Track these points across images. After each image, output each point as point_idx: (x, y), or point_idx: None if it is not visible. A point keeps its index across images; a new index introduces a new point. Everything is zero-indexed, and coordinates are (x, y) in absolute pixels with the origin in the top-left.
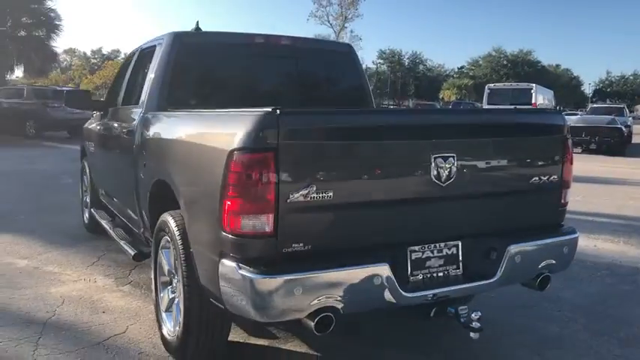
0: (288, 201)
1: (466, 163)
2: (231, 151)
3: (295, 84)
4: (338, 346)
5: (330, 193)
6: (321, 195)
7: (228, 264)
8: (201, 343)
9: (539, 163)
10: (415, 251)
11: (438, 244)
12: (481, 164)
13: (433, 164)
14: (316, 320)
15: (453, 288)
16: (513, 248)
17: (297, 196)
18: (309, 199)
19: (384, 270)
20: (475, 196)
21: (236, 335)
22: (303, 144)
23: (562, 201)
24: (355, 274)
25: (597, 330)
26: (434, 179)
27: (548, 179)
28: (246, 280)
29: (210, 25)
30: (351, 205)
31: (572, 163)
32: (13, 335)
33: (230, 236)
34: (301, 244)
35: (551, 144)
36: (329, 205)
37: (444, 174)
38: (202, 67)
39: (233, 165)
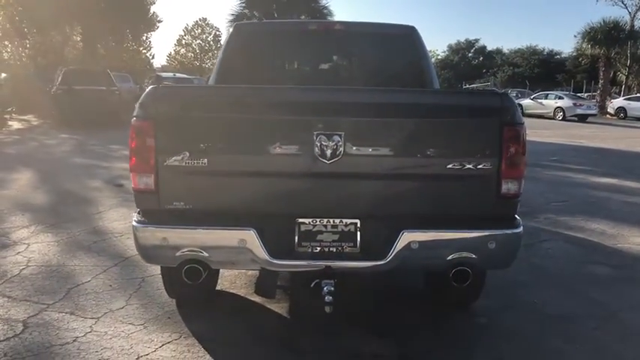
0: (165, 164)
1: (358, 142)
2: (132, 119)
3: (349, 69)
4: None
5: (205, 161)
6: (195, 161)
7: (134, 215)
8: (175, 287)
9: (459, 148)
10: (304, 224)
11: (332, 220)
12: (378, 145)
13: (316, 141)
14: (183, 270)
15: (340, 263)
16: (408, 234)
17: (173, 161)
18: (184, 164)
19: (248, 235)
20: (372, 177)
21: (240, 290)
22: (178, 116)
23: (502, 191)
24: (217, 235)
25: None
26: (318, 157)
27: (475, 167)
28: (133, 227)
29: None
30: (227, 174)
31: (522, 152)
32: (98, 262)
33: (134, 191)
34: (182, 203)
35: (477, 128)
36: (204, 171)
37: (329, 152)
38: (257, 53)
39: (131, 130)
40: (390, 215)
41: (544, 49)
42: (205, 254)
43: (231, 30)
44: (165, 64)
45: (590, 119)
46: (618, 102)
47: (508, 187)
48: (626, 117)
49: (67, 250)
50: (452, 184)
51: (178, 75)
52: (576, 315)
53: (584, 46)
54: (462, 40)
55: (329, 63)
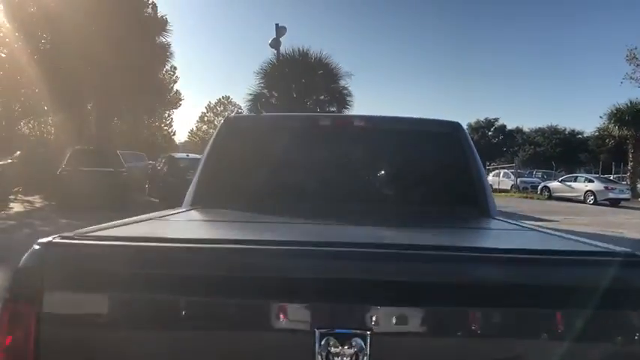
0: None
1: (399, 352)
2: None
3: (373, 183)
4: None
5: None
6: None
7: None
8: None
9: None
10: None
11: None
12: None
13: (319, 349)
14: None
15: None
16: None
17: None
18: None
19: None
20: None
21: None
22: (81, 293)
23: None
24: None
25: None
26: None
27: None
28: None
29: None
30: None
31: None
32: None
33: None
34: None
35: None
36: None
37: None
38: (249, 156)
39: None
40: None
41: (565, 129)
42: None
43: (220, 124)
44: (187, 139)
45: (622, 203)
46: None
47: None
48: None
49: None
50: None
51: (192, 155)
52: None
53: (610, 127)
54: (482, 119)
55: (345, 174)
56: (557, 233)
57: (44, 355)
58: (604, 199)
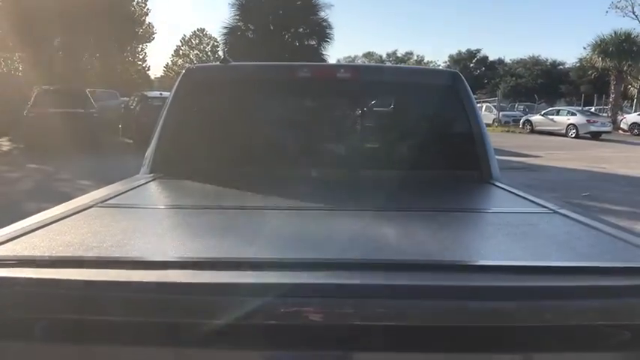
0: None
1: None
2: None
3: (356, 140)
4: None
5: None
6: None
7: None
8: None
9: None
10: None
11: None
12: None
13: None
14: None
15: None
16: None
17: None
18: None
19: None
20: None
21: None
22: None
23: None
24: None
25: None
26: None
27: None
28: None
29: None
30: None
31: None
32: None
33: None
34: None
35: None
36: None
37: None
38: (215, 115)
39: None
40: None
41: (547, 60)
42: None
43: (180, 76)
44: (163, 74)
45: (603, 136)
46: (632, 117)
47: None
48: None
49: None
50: None
51: (165, 94)
52: None
53: (594, 58)
54: (464, 50)
55: (326, 134)
56: (585, 220)
57: None
58: (586, 133)
